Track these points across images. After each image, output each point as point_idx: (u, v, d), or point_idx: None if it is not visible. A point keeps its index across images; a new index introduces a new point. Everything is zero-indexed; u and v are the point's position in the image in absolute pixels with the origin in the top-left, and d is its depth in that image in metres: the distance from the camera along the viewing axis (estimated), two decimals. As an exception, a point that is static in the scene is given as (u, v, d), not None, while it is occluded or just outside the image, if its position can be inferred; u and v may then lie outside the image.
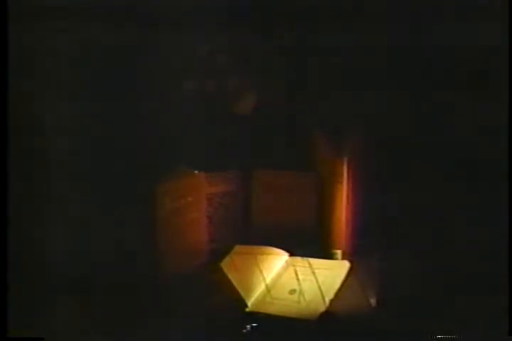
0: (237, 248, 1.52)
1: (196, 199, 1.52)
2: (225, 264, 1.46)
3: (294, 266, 1.46)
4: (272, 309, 1.33)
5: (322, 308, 1.30)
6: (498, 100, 1.36)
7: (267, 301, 1.36)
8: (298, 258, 1.49)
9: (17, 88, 1.29)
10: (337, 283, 1.38)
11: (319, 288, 1.36)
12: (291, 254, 1.51)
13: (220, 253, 1.51)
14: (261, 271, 1.43)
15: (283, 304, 1.34)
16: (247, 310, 1.33)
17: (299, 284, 1.39)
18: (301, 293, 1.37)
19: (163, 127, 1.56)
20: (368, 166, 1.53)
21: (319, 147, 1.57)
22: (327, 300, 1.33)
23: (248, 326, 1.26)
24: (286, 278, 1.44)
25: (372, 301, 1.33)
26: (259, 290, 1.39)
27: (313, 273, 1.41)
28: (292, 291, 1.38)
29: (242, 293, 1.36)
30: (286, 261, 1.49)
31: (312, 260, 1.46)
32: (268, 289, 1.39)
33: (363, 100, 1.54)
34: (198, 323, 1.27)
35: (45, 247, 1.38)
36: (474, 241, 1.42)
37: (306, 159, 1.59)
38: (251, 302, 1.35)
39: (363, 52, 1.54)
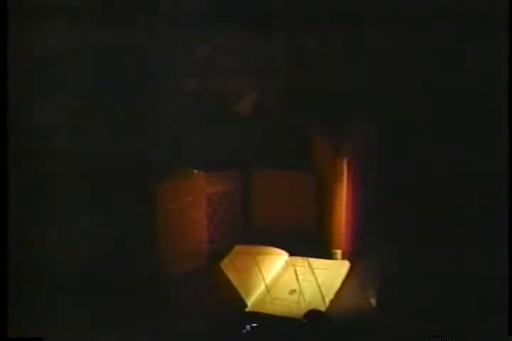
0: (237, 248, 1.53)
1: (196, 199, 1.52)
2: (225, 264, 1.47)
3: (293, 266, 1.46)
4: (272, 309, 1.33)
5: (322, 308, 1.30)
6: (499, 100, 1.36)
7: (267, 301, 1.36)
8: (298, 258, 1.49)
9: (17, 88, 1.30)
10: (337, 283, 1.39)
11: (319, 288, 1.36)
12: (291, 254, 1.51)
13: (219, 253, 1.51)
14: (261, 271, 1.43)
15: (283, 304, 1.34)
16: (247, 310, 1.33)
17: (299, 284, 1.39)
18: (301, 293, 1.37)
19: (163, 127, 1.55)
20: (368, 166, 1.53)
21: (319, 147, 1.56)
22: (327, 300, 1.33)
23: (248, 326, 1.25)
24: (286, 278, 1.44)
25: (372, 301, 1.33)
26: (259, 290, 1.39)
27: (313, 273, 1.41)
28: (292, 291, 1.38)
29: (242, 293, 1.36)
30: (286, 261, 1.50)
31: (312, 260, 1.46)
32: (268, 289, 1.39)
33: (363, 99, 1.54)
34: (198, 323, 1.27)
35: (45, 247, 1.38)
36: (474, 240, 1.42)
37: (306, 159, 1.59)
38: (251, 303, 1.35)
39: (363, 50, 1.54)
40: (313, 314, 1.27)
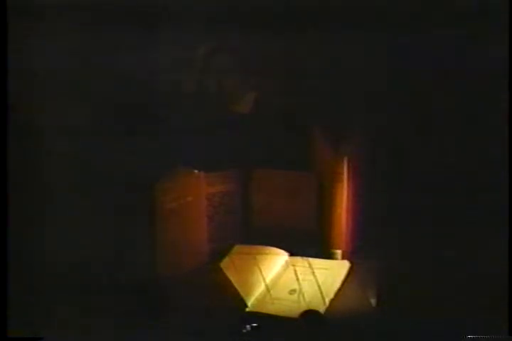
0: (237, 248, 1.53)
1: (196, 199, 1.52)
2: (225, 264, 1.46)
3: (293, 266, 1.46)
4: (272, 309, 1.33)
5: (322, 308, 1.30)
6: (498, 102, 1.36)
7: (267, 301, 1.36)
8: (298, 258, 1.49)
9: (17, 88, 1.30)
10: (337, 283, 1.38)
11: (319, 288, 1.36)
12: (291, 254, 1.51)
13: (219, 253, 1.51)
14: (261, 271, 1.43)
15: (283, 304, 1.34)
16: (247, 310, 1.33)
17: (299, 284, 1.39)
18: (301, 293, 1.36)
19: (163, 127, 1.56)
20: (369, 165, 1.53)
21: (319, 146, 1.56)
22: (327, 300, 1.33)
23: (248, 326, 1.25)
24: (286, 278, 1.44)
25: (373, 301, 1.33)
26: (259, 290, 1.39)
27: (313, 273, 1.41)
28: (292, 291, 1.38)
29: (242, 293, 1.36)
30: (286, 261, 1.49)
31: (312, 260, 1.46)
32: (268, 289, 1.39)
33: (363, 99, 1.54)
34: (198, 323, 1.27)
35: (45, 247, 1.38)
36: (474, 240, 1.42)
37: (306, 159, 1.58)
38: (251, 303, 1.34)
39: (363, 51, 1.54)
40: (309, 314, 1.28)
